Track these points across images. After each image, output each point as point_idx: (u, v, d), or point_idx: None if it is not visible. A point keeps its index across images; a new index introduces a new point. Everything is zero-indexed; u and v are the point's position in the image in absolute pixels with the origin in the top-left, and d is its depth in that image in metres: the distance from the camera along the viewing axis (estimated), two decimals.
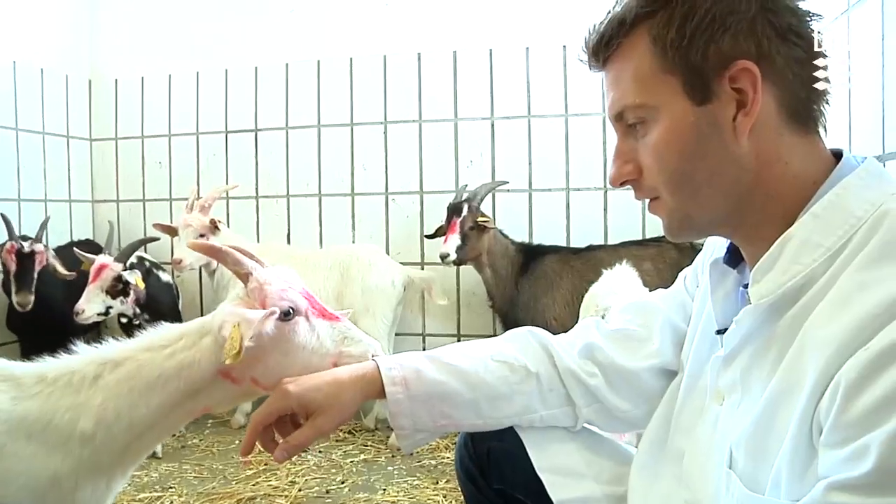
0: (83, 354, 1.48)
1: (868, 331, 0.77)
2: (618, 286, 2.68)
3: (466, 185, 3.96)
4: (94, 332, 4.16)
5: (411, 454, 3.46)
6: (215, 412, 2.07)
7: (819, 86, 0.96)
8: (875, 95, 1.85)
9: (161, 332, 1.49)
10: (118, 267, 3.49)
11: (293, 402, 1.23)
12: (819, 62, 0.96)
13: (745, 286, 0.99)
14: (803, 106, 0.96)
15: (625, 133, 1.04)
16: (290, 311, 1.41)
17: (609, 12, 1.03)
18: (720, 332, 1.06)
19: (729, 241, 1.11)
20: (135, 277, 3.53)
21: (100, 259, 3.51)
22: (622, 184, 1.06)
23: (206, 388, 1.45)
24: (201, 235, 3.80)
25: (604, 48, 1.02)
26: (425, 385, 1.26)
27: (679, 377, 1.24)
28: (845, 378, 0.76)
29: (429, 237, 3.96)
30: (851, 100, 2.05)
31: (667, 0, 0.95)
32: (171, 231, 3.93)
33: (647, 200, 1.07)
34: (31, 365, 1.49)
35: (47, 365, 1.48)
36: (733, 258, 1.10)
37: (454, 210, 3.70)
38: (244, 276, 1.46)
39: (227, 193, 4.38)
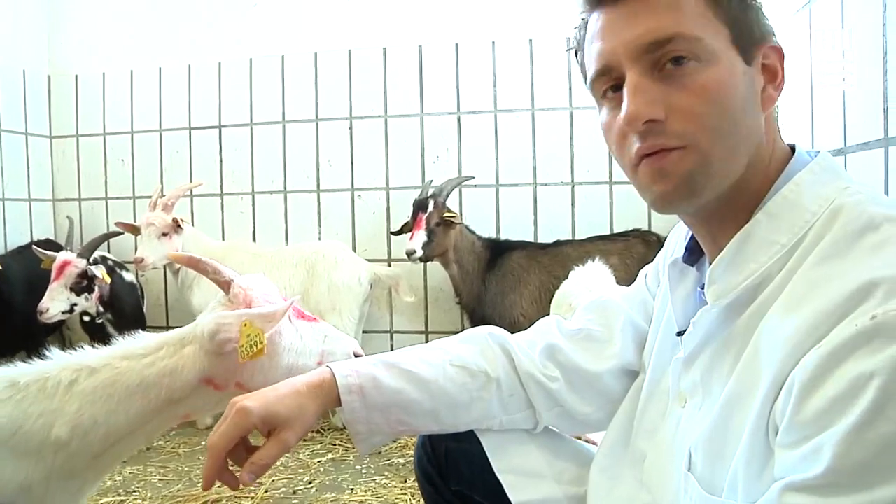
0: (57, 360, 1.47)
1: (821, 329, 0.76)
2: (591, 283, 2.67)
3: (432, 181, 3.93)
4: (55, 333, 4.10)
5: (379, 452, 3.44)
6: (194, 418, 2.05)
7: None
8: (836, 88, 1.86)
9: (138, 342, 1.50)
10: (82, 263, 3.46)
11: (256, 420, 1.14)
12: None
13: (704, 286, 0.98)
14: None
15: (649, 69, 0.92)
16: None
17: None
18: (680, 333, 1.05)
19: (688, 240, 1.09)
20: (101, 271, 3.49)
21: (62, 256, 3.47)
22: (644, 123, 0.91)
23: (187, 396, 1.45)
24: (164, 234, 3.76)
25: None
26: (383, 394, 1.22)
27: (641, 378, 1.22)
28: (799, 377, 0.75)
29: (395, 234, 3.93)
30: (814, 92, 2.06)
31: None
32: (134, 230, 3.87)
33: (640, 162, 0.95)
34: (1, 370, 1.47)
35: (19, 370, 1.46)
36: (692, 257, 1.09)
37: (420, 206, 3.67)
38: (225, 285, 1.50)
39: (191, 191, 4.32)
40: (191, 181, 4.37)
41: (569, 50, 1.10)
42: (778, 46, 0.96)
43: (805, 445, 0.73)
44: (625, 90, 0.93)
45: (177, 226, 3.80)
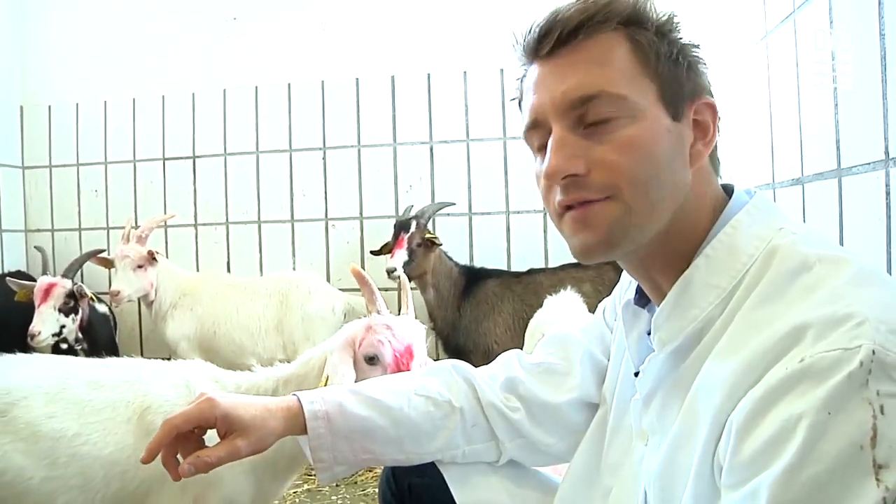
0: (260, 372, 1.87)
1: (756, 372, 0.78)
2: (563, 313, 2.69)
3: (412, 206, 3.96)
4: None
5: (355, 482, 3.42)
6: None
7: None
8: (765, 124, 1.92)
9: (307, 353, 1.87)
10: (68, 283, 3.48)
11: (219, 413, 1.13)
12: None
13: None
14: (716, 150, 1.01)
15: (574, 125, 0.95)
16: (374, 358, 1.76)
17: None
18: (637, 374, 1.06)
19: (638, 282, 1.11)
20: (86, 290, 3.55)
21: (45, 279, 3.51)
22: (563, 178, 0.94)
23: None
24: (139, 266, 3.75)
25: (593, 25, 0.95)
26: (348, 420, 1.24)
27: (603, 411, 1.24)
28: (736, 420, 0.78)
29: (374, 253, 3.91)
30: (773, 121, 2.11)
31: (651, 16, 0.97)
32: (108, 263, 3.86)
33: (564, 212, 0.97)
34: (228, 372, 1.91)
35: (236, 376, 1.88)
36: (643, 298, 1.10)
37: (402, 226, 3.69)
38: (370, 311, 1.82)
39: (165, 222, 4.31)
40: (165, 212, 4.37)
41: (512, 100, 1.12)
42: (711, 102, 0.98)
43: (744, 487, 0.75)
44: (549, 144, 0.95)
45: (151, 258, 3.79)
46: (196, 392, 1.72)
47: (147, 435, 1.72)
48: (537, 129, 0.99)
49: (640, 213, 0.93)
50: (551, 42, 0.96)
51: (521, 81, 1.05)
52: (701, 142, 0.97)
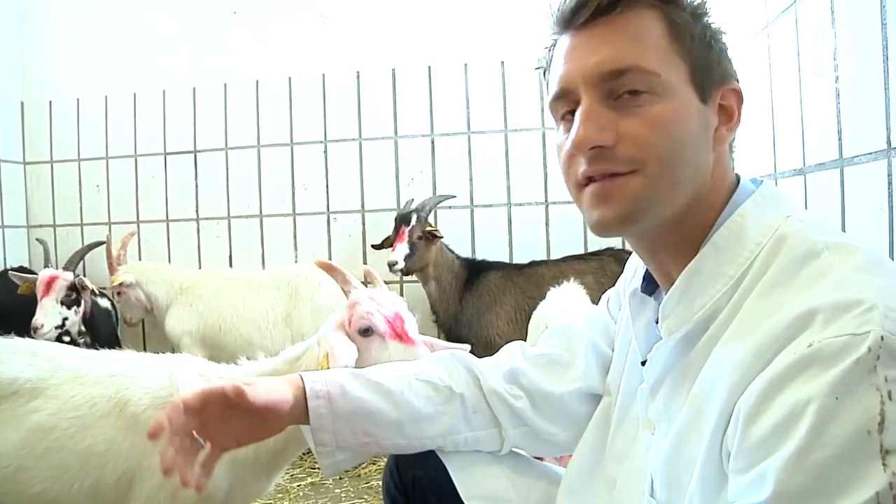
0: (244, 366, 1.84)
1: (765, 357, 0.79)
2: (567, 305, 2.69)
3: (413, 200, 3.96)
4: None
5: (359, 475, 3.43)
6: None
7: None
8: (766, 114, 1.91)
9: (293, 349, 1.85)
10: (69, 276, 3.50)
11: (221, 389, 1.15)
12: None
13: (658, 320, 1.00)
14: (733, 140, 1.02)
15: (604, 97, 0.95)
16: (368, 329, 1.75)
17: None
18: (644, 362, 1.07)
19: (645, 269, 1.11)
20: (88, 282, 3.59)
21: (47, 272, 3.53)
22: (591, 149, 0.94)
23: None
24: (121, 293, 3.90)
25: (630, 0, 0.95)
26: (349, 401, 1.25)
27: (607, 402, 1.25)
28: (744, 405, 0.78)
29: (375, 247, 3.92)
30: (774, 112, 2.10)
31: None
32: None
33: (585, 185, 0.98)
34: (214, 365, 1.90)
35: (220, 369, 1.87)
36: (650, 286, 1.11)
37: (403, 219, 3.70)
38: (348, 293, 1.84)
39: (167, 215, 4.33)
40: (166, 206, 4.43)
41: (538, 69, 1.12)
42: (737, 89, 0.99)
43: (752, 471, 0.75)
44: (577, 114, 0.96)
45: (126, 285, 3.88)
46: (178, 385, 1.79)
47: (128, 428, 1.77)
48: (564, 99, 1.00)
49: (662, 189, 0.94)
50: (588, 13, 0.96)
51: (551, 50, 1.04)
52: (725, 126, 0.98)
